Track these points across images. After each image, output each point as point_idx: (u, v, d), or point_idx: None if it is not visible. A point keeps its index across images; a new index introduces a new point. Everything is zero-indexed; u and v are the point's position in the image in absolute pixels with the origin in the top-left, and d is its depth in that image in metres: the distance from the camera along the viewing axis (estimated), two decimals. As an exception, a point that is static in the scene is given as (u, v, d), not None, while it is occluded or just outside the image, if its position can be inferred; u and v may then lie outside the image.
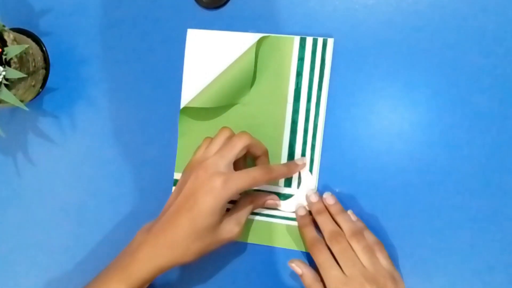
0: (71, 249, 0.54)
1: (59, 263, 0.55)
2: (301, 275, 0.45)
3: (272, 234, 0.50)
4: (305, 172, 0.49)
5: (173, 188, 0.51)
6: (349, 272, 0.41)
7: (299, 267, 0.45)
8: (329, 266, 0.42)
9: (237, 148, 0.43)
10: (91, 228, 0.54)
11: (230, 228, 0.44)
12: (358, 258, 0.42)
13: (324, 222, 0.45)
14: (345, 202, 0.48)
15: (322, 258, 0.43)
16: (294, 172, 0.48)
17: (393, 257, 0.48)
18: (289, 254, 0.50)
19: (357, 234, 0.43)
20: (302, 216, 0.48)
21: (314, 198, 0.47)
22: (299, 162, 0.48)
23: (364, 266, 0.42)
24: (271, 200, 0.48)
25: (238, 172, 0.42)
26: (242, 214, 0.45)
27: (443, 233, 0.47)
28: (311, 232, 0.46)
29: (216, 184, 0.40)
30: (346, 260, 0.42)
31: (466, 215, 0.47)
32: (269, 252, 0.50)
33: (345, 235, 0.44)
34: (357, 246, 0.43)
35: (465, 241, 0.47)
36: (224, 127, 0.46)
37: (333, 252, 0.43)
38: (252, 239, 0.50)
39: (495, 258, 0.46)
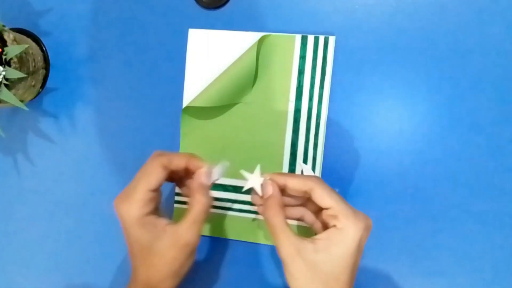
0: (71, 249, 0.54)
1: (59, 263, 0.54)
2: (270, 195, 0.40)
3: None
4: (307, 171, 0.48)
5: (175, 188, 0.51)
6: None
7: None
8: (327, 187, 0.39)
9: (149, 173, 0.40)
10: (91, 228, 0.53)
11: (173, 236, 0.39)
12: None
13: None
14: (346, 200, 0.48)
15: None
16: (196, 164, 0.42)
17: (393, 256, 0.48)
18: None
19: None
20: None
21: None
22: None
23: None
24: (201, 176, 0.41)
25: (132, 181, 0.41)
26: (186, 217, 0.40)
27: (443, 232, 0.47)
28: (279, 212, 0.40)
29: (120, 208, 0.39)
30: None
31: (467, 215, 0.47)
32: (266, 251, 0.50)
33: None
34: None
35: (465, 240, 0.47)
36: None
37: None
38: (252, 238, 0.50)
39: (496, 258, 0.46)
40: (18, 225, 0.55)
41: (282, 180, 0.40)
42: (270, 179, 0.40)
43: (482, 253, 0.47)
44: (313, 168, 0.48)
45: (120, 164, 0.52)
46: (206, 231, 0.51)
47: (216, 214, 0.51)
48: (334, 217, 0.37)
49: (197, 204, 0.40)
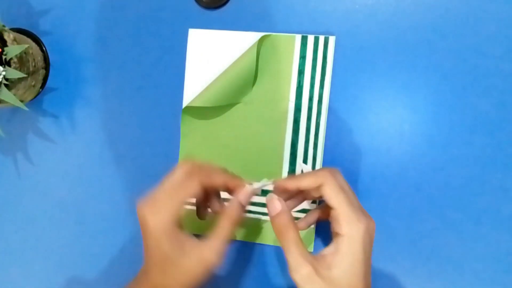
0: (70, 249, 0.54)
1: (58, 263, 0.54)
2: (277, 214, 0.39)
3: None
4: (307, 171, 0.48)
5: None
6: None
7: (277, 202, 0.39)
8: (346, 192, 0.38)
9: (175, 174, 0.39)
10: (91, 228, 0.53)
11: (202, 257, 0.37)
12: None
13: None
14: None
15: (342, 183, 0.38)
16: (236, 182, 0.41)
17: (392, 256, 0.48)
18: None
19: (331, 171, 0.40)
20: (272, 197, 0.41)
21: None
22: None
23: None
24: (242, 194, 0.41)
25: (164, 189, 0.39)
26: (216, 238, 0.38)
27: (443, 232, 0.47)
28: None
29: (146, 217, 0.37)
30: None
31: (467, 215, 0.47)
32: (270, 252, 0.50)
33: None
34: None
35: (465, 241, 0.47)
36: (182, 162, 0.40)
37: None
38: (253, 238, 0.50)
39: (496, 258, 0.46)
40: (18, 225, 0.55)
41: (293, 184, 0.39)
42: (278, 184, 0.40)
43: (482, 254, 0.46)
44: (313, 168, 0.48)
45: (120, 164, 0.52)
46: (207, 231, 0.51)
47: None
48: (337, 221, 0.36)
49: (229, 224, 0.39)
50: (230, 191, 0.42)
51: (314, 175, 0.38)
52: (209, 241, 0.38)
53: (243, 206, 0.41)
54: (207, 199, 0.44)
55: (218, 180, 0.40)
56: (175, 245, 0.37)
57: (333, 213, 0.37)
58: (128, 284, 0.42)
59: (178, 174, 0.39)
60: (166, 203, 0.37)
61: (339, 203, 0.36)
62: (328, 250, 0.37)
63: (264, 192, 0.49)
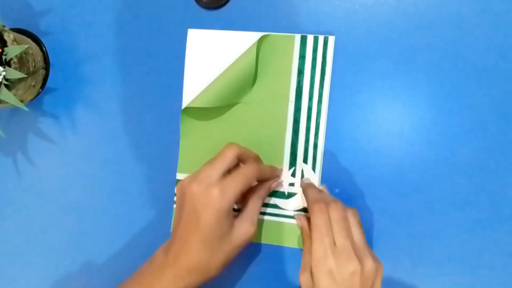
0: (71, 249, 0.54)
1: (59, 263, 0.54)
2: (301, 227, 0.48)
3: (277, 233, 0.50)
4: (307, 171, 0.48)
5: (176, 188, 0.51)
6: (340, 243, 0.40)
7: (299, 219, 0.48)
8: (325, 231, 0.41)
9: (227, 158, 0.43)
10: (91, 228, 0.53)
11: (245, 230, 0.43)
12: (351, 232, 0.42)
13: (324, 194, 0.46)
14: (346, 200, 0.47)
15: (322, 220, 0.41)
16: (277, 174, 0.49)
17: (392, 257, 0.48)
18: (295, 252, 0.49)
19: (352, 209, 0.43)
20: (307, 183, 0.48)
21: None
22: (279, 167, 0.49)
23: (354, 241, 0.41)
24: (275, 183, 0.49)
25: (230, 177, 0.42)
26: (252, 212, 0.45)
27: (443, 233, 0.47)
28: (316, 193, 0.45)
29: (213, 196, 0.41)
30: (341, 229, 0.41)
31: (466, 215, 0.47)
32: (273, 252, 0.50)
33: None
34: (352, 220, 0.42)
35: (465, 241, 0.47)
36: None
37: (330, 218, 0.42)
38: (257, 238, 0.50)
39: (495, 258, 0.46)
40: (18, 225, 0.55)
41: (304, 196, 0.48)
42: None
43: (482, 254, 0.46)
44: (313, 168, 0.48)
45: (120, 164, 0.52)
46: None
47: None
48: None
49: (259, 200, 0.46)
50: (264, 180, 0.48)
51: (312, 204, 0.43)
52: (246, 214, 0.44)
53: (270, 190, 0.48)
54: None
55: (267, 173, 0.48)
56: (229, 223, 0.42)
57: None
58: (144, 267, 0.45)
59: (230, 158, 0.43)
60: (232, 186, 0.42)
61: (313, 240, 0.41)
62: None
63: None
